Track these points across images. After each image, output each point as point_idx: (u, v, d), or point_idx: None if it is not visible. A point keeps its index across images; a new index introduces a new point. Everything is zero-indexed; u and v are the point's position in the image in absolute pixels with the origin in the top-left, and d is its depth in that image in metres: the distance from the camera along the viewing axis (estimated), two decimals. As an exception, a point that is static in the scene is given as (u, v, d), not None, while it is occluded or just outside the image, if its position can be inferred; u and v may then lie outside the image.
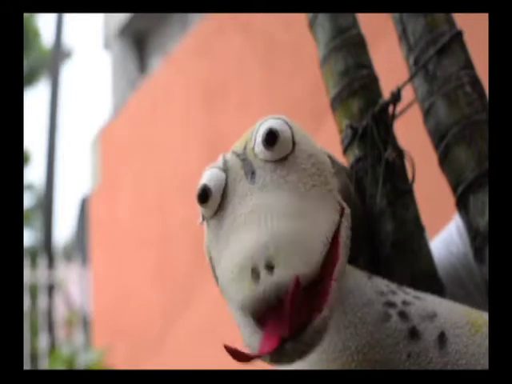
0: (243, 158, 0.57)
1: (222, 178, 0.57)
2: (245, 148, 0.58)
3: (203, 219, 0.58)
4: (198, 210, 0.58)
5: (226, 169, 0.57)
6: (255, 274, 0.49)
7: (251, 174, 0.56)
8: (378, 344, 0.56)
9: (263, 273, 0.48)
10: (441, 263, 0.71)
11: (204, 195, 0.56)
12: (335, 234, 0.55)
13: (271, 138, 0.56)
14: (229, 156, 0.58)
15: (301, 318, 0.49)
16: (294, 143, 0.57)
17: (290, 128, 0.57)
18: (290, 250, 0.49)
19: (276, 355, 0.49)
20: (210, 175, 0.57)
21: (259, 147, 0.56)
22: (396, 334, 0.57)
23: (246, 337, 0.52)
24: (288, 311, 0.48)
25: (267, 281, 0.48)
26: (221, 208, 0.56)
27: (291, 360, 0.50)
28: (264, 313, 0.50)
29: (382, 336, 0.57)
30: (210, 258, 0.58)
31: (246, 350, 0.51)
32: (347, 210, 0.57)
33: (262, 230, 0.51)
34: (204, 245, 0.59)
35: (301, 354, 0.49)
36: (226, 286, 0.52)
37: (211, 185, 0.57)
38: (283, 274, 0.48)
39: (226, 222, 0.55)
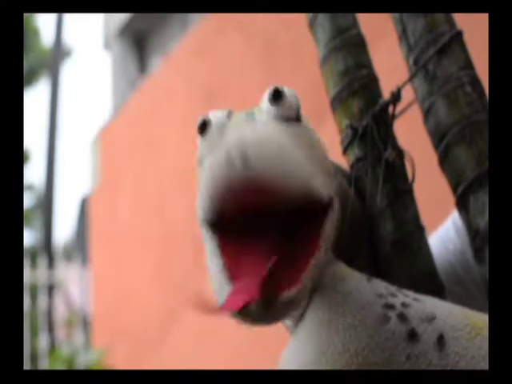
0: (250, 113, 0.58)
1: (223, 118, 0.57)
2: (251, 109, 0.59)
3: (199, 162, 0.59)
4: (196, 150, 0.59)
5: (228, 115, 0.58)
6: (231, 163, 0.50)
7: (251, 119, 0.57)
8: (378, 346, 0.56)
9: (238, 162, 0.49)
10: (437, 260, 0.71)
11: (203, 125, 0.57)
12: (320, 222, 0.55)
13: (276, 94, 0.57)
14: (237, 112, 0.59)
15: (273, 286, 0.50)
16: (299, 116, 0.58)
17: (298, 100, 0.58)
18: (268, 151, 0.50)
19: (240, 314, 0.50)
20: (212, 113, 0.58)
21: (265, 104, 0.57)
22: (395, 336, 0.57)
23: (217, 289, 0.53)
24: (262, 276, 0.49)
25: (241, 167, 0.49)
26: (216, 143, 0.56)
27: (254, 322, 0.51)
28: (237, 267, 0.52)
29: (381, 338, 0.57)
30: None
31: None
32: (336, 203, 0.58)
33: (247, 131, 0.52)
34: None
35: (264, 319, 0.51)
36: (203, 185, 0.53)
37: (212, 118, 0.57)
38: (256, 165, 0.49)
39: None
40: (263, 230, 0.55)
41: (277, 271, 0.51)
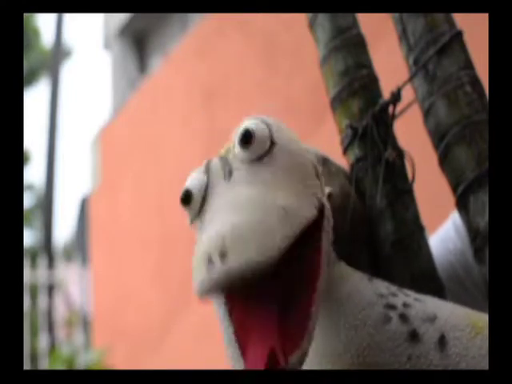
0: (225, 160, 0.58)
1: (203, 181, 0.58)
2: (228, 151, 0.59)
3: (190, 222, 0.59)
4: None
5: (207, 171, 0.58)
6: (211, 262, 0.50)
7: (229, 174, 0.57)
8: (379, 346, 0.56)
9: (216, 260, 0.50)
10: (437, 260, 0.71)
11: (186, 198, 0.58)
12: (317, 244, 0.55)
13: (246, 138, 0.57)
14: (213, 160, 0.59)
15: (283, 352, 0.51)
16: (272, 142, 0.57)
17: (268, 127, 0.57)
18: (245, 239, 0.50)
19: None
20: (192, 179, 0.59)
21: (237, 148, 0.57)
22: (396, 336, 0.57)
23: (232, 361, 0.55)
24: (268, 352, 0.51)
25: (219, 267, 0.49)
26: (202, 209, 0.57)
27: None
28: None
29: (382, 338, 0.56)
30: None
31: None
32: (328, 212, 0.58)
33: (222, 222, 0.52)
34: None
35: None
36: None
37: (192, 188, 0.58)
38: (235, 259, 0.49)
39: (204, 221, 0.56)
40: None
41: (283, 335, 0.52)
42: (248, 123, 0.58)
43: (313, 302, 0.53)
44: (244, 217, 0.52)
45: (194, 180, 0.59)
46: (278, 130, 0.58)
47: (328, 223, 0.57)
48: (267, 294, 0.54)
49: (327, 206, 0.58)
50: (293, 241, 0.52)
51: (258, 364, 0.51)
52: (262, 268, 0.50)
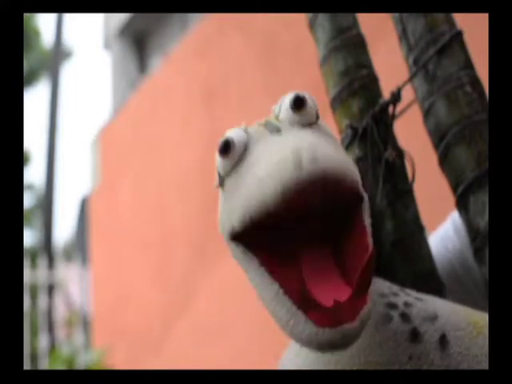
0: (268, 123, 0.56)
1: (243, 134, 0.56)
2: (266, 120, 0.57)
3: (220, 182, 0.57)
4: (215, 174, 0.57)
5: (246, 130, 0.56)
6: (298, 164, 0.47)
7: (276, 130, 0.55)
8: (380, 346, 0.56)
9: (307, 163, 0.47)
10: (437, 259, 0.71)
11: (226, 145, 0.55)
12: (359, 219, 0.54)
13: (299, 101, 0.55)
14: (250, 126, 0.57)
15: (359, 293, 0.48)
16: (317, 116, 0.56)
17: (316, 104, 0.57)
18: (331, 154, 0.49)
19: (332, 334, 0.48)
20: (231, 132, 0.56)
21: (286, 112, 0.56)
22: (397, 335, 0.57)
23: (286, 319, 0.49)
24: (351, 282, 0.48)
25: (313, 167, 0.47)
26: (241, 161, 0.54)
27: (345, 342, 0.48)
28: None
29: (383, 338, 0.56)
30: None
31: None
32: (366, 197, 0.55)
33: (296, 139, 0.50)
34: (218, 213, 0.57)
35: (356, 336, 0.49)
36: (254, 193, 0.49)
37: (234, 137, 0.55)
38: (329, 164, 0.47)
39: (248, 167, 0.53)
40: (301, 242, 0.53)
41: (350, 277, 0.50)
42: (297, 92, 0.56)
43: (369, 264, 0.50)
44: (319, 141, 0.50)
45: (233, 132, 0.56)
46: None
47: (367, 206, 0.55)
48: (320, 256, 0.52)
49: (364, 193, 0.55)
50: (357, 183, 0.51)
51: (330, 320, 0.47)
52: (352, 186, 0.49)
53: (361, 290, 0.49)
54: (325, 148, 0.49)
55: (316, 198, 0.49)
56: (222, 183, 0.56)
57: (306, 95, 0.56)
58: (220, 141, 0.56)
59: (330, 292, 0.49)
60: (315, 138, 0.52)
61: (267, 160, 0.50)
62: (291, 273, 0.51)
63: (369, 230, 0.54)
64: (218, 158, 0.56)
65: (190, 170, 3.37)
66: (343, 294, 0.49)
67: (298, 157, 0.47)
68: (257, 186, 0.49)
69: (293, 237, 0.53)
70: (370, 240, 0.53)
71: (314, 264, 0.52)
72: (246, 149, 0.55)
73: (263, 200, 0.48)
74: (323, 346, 0.48)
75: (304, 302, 0.49)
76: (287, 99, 0.56)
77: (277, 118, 0.56)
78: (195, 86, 3.61)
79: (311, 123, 0.55)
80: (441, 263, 0.72)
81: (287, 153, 0.48)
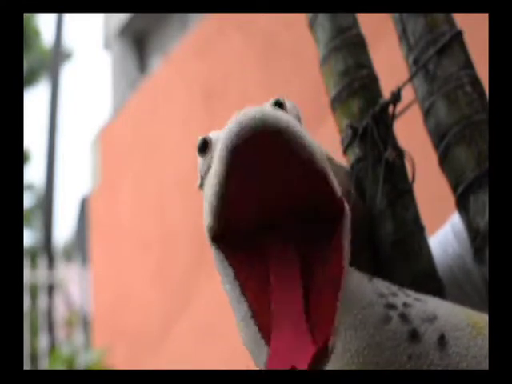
0: None
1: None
2: None
3: (200, 183, 0.57)
4: (197, 173, 0.58)
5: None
6: (239, 123, 0.48)
7: None
8: (379, 346, 0.56)
9: (252, 110, 0.48)
10: (436, 263, 0.71)
11: (203, 145, 0.56)
12: (337, 236, 0.54)
13: (278, 106, 0.56)
14: None
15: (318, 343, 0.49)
16: (299, 120, 0.56)
17: (296, 107, 0.57)
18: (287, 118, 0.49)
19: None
20: (212, 132, 0.57)
21: None
22: (396, 336, 0.57)
23: (249, 344, 0.52)
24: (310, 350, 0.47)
25: (257, 113, 0.48)
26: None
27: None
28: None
29: (382, 338, 0.56)
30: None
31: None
32: (347, 206, 0.55)
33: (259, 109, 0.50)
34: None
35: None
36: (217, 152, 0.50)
37: (211, 136, 0.56)
38: (276, 114, 0.48)
39: None
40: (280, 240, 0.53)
41: (311, 316, 0.50)
42: (277, 97, 0.57)
43: (339, 297, 0.50)
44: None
45: (212, 132, 0.57)
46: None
47: (347, 222, 0.55)
48: (288, 276, 0.52)
49: (345, 200, 0.55)
50: (326, 174, 0.51)
51: (284, 360, 0.48)
52: (299, 141, 0.48)
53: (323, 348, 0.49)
54: (282, 115, 0.50)
55: (267, 150, 0.49)
56: (201, 183, 0.57)
57: (287, 101, 0.57)
58: (199, 139, 0.56)
59: (290, 349, 0.49)
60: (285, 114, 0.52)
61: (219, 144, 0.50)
62: (262, 292, 0.52)
63: (346, 248, 0.54)
64: (198, 159, 0.56)
65: (189, 170, 3.37)
66: (303, 354, 0.48)
67: (240, 119, 0.48)
68: (213, 177, 0.50)
69: (266, 241, 0.54)
70: (344, 260, 0.53)
71: (282, 286, 0.52)
72: None
73: (219, 184, 0.49)
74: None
75: (267, 330, 0.50)
76: (267, 104, 0.57)
77: None
78: (195, 86, 3.61)
79: None
80: (440, 267, 0.72)
81: (233, 123, 0.49)
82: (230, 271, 0.53)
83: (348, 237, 0.55)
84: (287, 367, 0.48)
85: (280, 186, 0.52)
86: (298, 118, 0.56)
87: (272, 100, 0.57)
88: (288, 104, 0.57)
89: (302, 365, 0.47)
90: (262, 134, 0.48)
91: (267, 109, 0.49)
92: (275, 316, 0.51)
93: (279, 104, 0.56)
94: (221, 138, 0.50)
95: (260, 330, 0.50)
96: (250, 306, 0.51)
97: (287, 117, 0.50)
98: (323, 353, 0.48)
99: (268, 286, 0.52)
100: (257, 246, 0.54)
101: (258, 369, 0.51)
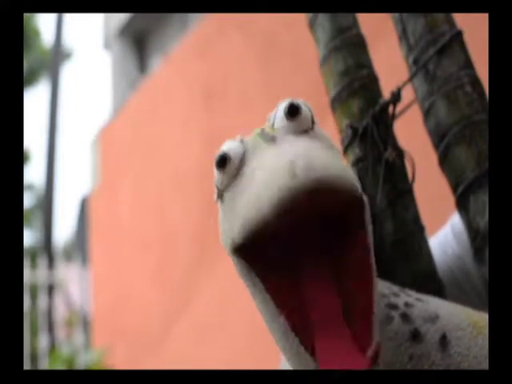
0: (262, 132, 0.56)
1: (240, 147, 0.55)
2: (262, 130, 0.56)
3: (218, 195, 0.57)
4: (214, 188, 0.57)
5: (243, 142, 0.56)
6: (292, 173, 0.47)
7: (271, 139, 0.54)
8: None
9: (302, 170, 0.46)
10: (436, 264, 0.71)
11: (223, 160, 0.55)
12: (361, 231, 0.53)
13: (293, 109, 0.55)
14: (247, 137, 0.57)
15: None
16: (313, 122, 0.56)
17: (310, 108, 0.57)
18: (327, 161, 0.48)
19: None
20: (228, 145, 0.56)
21: (280, 121, 0.55)
22: (398, 336, 0.57)
23: (293, 357, 0.51)
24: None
25: (307, 173, 0.46)
26: (238, 174, 0.54)
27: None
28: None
29: (383, 338, 0.56)
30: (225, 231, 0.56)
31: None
32: (366, 199, 0.55)
33: (292, 148, 0.49)
34: (218, 225, 0.57)
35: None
36: (251, 205, 0.49)
37: (230, 151, 0.55)
38: (325, 171, 0.47)
39: (244, 179, 0.53)
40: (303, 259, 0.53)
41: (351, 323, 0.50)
42: (291, 100, 0.56)
43: (374, 297, 0.51)
44: (314, 148, 0.49)
45: (229, 145, 0.56)
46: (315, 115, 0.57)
47: (368, 215, 0.54)
48: (322, 284, 0.52)
49: (365, 197, 0.55)
50: (356, 189, 0.51)
51: (341, 362, 0.48)
52: (350, 194, 0.48)
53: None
54: (320, 155, 0.49)
55: (312, 206, 0.48)
56: (220, 197, 0.56)
57: (301, 102, 0.56)
58: (216, 155, 0.56)
59: (338, 356, 0.49)
60: (311, 144, 0.52)
61: (263, 171, 0.49)
62: (294, 300, 0.51)
63: (370, 238, 0.53)
64: (215, 172, 0.56)
65: (189, 170, 3.37)
66: (351, 357, 0.49)
67: (292, 165, 0.47)
68: (254, 198, 0.49)
69: (292, 250, 0.53)
70: (371, 256, 0.53)
71: (316, 293, 0.52)
72: (242, 161, 0.54)
73: (260, 211, 0.48)
74: None
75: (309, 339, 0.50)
76: (281, 107, 0.56)
77: (272, 126, 0.56)
78: (195, 86, 3.61)
79: (307, 130, 0.55)
80: (440, 268, 0.72)
81: (282, 162, 0.48)
82: (257, 283, 0.52)
83: (370, 229, 0.54)
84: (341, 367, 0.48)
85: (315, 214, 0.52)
86: (312, 119, 0.56)
87: (287, 104, 0.56)
88: (303, 107, 0.56)
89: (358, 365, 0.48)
90: (312, 199, 0.47)
91: (314, 162, 0.48)
92: (317, 326, 0.51)
93: (295, 109, 0.55)
94: (268, 181, 0.48)
95: (301, 340, 0.50)
96: (287, 319, 0.51)
97: (331, 163, 0.49)
98: (373, 357, 0.49)
99: (298, 295, 0.52)
100: (282, 259, 0.53)
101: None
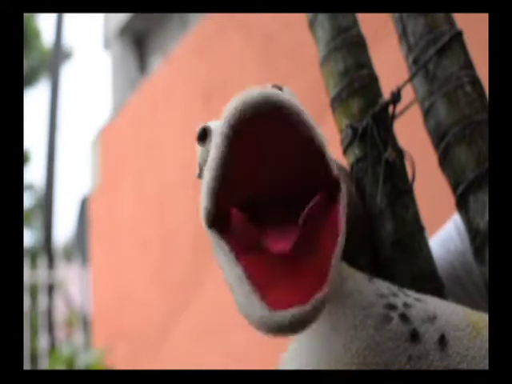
0: None
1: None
2: None
3: (199, 172, 0.57)
4: (196, 164, 0.58)
5: None
6: (248, 95, 0.48)
7: None
8: (379, 347, 0.56)
9: (257, 92, 0.48)
10: (438, 261, 0.71)
11: (203, 133, 0.56)
12: (334, 207, 0.53)
13: (277, 89, 0.56)
14: None
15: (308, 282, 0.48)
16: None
17: (296, 98, 0.57)
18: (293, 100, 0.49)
19: (282, 318, 0.47)
20: (210, 122, 0.57)
21: None
22: (397, 336, 0.57)
23: (243, 304, 0.50)
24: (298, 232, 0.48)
25: (259, 92, 0.48)
26: None
27: (294, 327, 0.47)
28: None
29: (382, 339, 0.56)
30: None
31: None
32: (344, 187, 0.55)
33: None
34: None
35: (307, 321, 0.48)
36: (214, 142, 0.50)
37: (210, 125, 0.56)
38: (278, 94, 0.48)
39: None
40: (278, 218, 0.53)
41: (304, 264, 0.49)
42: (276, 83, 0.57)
43: (335, 250, 0.50)
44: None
45: (211, 122, 0.57)
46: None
47: (344, 199, 0.54)
48: (285, 240, 0.52)
49: (343, 182, 0.55)
50: (325, 153, 0.51)
51: (282, 303, 0.47)
52: (301, 118, 0.48)
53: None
54: (284, 94, 0.50)
55: (268, 127, 0.49)
56: (200, 173, 0.57)
57: (285, 88, 0.57)
58: (198, 128, 0.57)
59: (286, 297, 0.48)
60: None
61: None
62: (257, 259, 0.51)
63: (342, 217, 0.53)
64: (197, 149, 0.57)
65: (189, 170, 3.37)
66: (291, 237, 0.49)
67: (248, 93, 0.49)
68: (217, 133, 0.50)
69: (263, 216, 0.54)
70: (341, 226, 0.52)
71: (278, 248, 0.52)
72: None
73: (220, 138, 0.49)
74: (272, 329, 0.48)
75: (261, 287, 0.49)
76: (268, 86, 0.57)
77: None
78: (195, 86, 3.61)
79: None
80: (442, 264, 0.72)
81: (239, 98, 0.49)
82: (225, 246, 0.53)
83: (345, 210, 0.54)
84: (285, 308, 0.47)
85: (278, 161, 0.52)
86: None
87: (270, 84, 0.57)
88: (286, 90, 0.57)
89: (301, 300, 0.47)
90: (265, 111, 0.48)
91: (269, 88, 0.50)
92: (270, 274, 0.50)
93: (278, 88, 0.56)
94: (223, 116, 0.50)
95: (254, 288, 0.50)
96: (245, 269, 0.51)
97: (289, 96, 0.51)
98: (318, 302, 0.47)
99: (263, 253, 0.52)
100: (255, 222, 0.53)
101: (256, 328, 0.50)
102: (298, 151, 0.52)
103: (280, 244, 0.50)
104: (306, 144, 0.51)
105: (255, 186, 0.53)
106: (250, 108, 0.48)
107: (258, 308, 0.48)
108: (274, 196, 0.54)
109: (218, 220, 0.53)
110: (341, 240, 0.51)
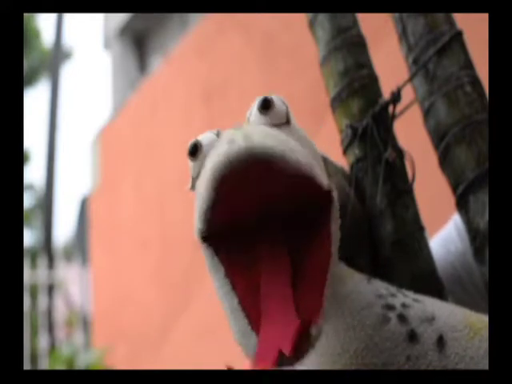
0: (238, 127, 0.56)
1: (212, 137, 0.57)
2: (239, 124, 0.58)
3: (192, 184, 0.58)
4: (190, 175, 0.58)
5: (218, 134, 0.57)
6: (232, 142, 0.49)
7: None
8: (377, 347, 0.56)
9: (239, 139, 0.48)
10: (439, 261, 0.71)
11: (194, 148, 0.57)
12: (325, 224, 0.54)
13: (266, 103, 0.57)
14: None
15: (303, 330, 0.49)
16: (287, 120, 0.57)
17: (286, 105, 0.58)
18: (272, 138, 0.50)
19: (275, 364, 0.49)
20: (202, 135, 0.58)
21: (254, 114, 0.57)
22: (395, 337, 0.57)
23: (239, 336, 0.52)
24: (293, 330, 0.48)
25: (244, 142, 0.48)
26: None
27: (288, 365, 0.49)
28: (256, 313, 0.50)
29: (381, 339, 0.56)
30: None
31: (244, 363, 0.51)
32: (335, 195, 0.55)
33: (245, 127, 0.51)
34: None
35: (297, 361, 0.49)
36: (204, 184, 0.51)
37: (202, 140, 0.57)
38: (262, 142, 0.48)
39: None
40: (267, 238, 0.54)
41: (300, 305, 0.50)
42: (265, 95, 0.57)
43: (327, 278, 0.51)
44: (267, 130, 0.51)
45: (203, 136, 0.58)
46: (291, 113, 0.58)
47: (336, 210, 0.55)
48: (278, 270, 0.53)
49: (335, 192, 0.56)
50: (311, 174, 0.51)
51: (276, 343, 0.49)
52: (286, 162, 0.49)
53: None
54: (268, 134, 0.51)
55: (254, 174, 0.50)
56: (193, 186, 0.58)
57: (275, 98, 0.57)
58: (189, 144, 0.57)
59: (279, 337, 0.49)
60: (267, 129, 0.53)
61: (213, 150, 0.52)
62: (253, 287, 0.53)
63: (334, 235, 0.54)
64: (189, 162, 0.57)
65: (189, 170, 3.37)
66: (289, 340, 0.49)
67: (232, 136, 0.49)
68: (204, 177, 0.51)
69: (255, 240, 0.54)
70: (331, 247, 0.53)
71: (271, 279, 0.53)
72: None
73: (208, 183, 0.50)
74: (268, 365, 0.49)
75: (257, 321, 0.51)
76: (256, 103, 0.57)
77: (248, 121, 0.57)
78: (195, 86, 3.61)
79: (279, 124, 0.56)
80: (443, 265, 0.72)
81: (226, 137, 0.50)
82: (220, 268, 0.54)
83: (336, 224, 0.55)
84: (275, 353, 0.48)
85: (267, 193, 0.53)
86: (287, 115, 0.57)
87: (260, 100, 0.57)
88: (276, 100, 0.57)
89: (287, 347, 0.48)
90: (249, 165, 0.49)
91: (253, 133, 0.50)
92: (265, 307, 0.51)
93: (267, 102, 0.56)
94: (207, 166, 0.51)
95: (249, 321, 0.51)
96: (240, 300, 0.52)
97: (273, 138, 0.51)
98: (306, 335, 0.49)
99: (258, 282, 0.53)
100: (246, 246, 0.55)
101: (248, 362, 0.51)
102: (286, 183, 0.52)
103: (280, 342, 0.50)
104: (294, 179, 0.52)
105: (247, 212, 0.54)
106: (234, 162, 0.49)
107: (253, 345, 0.51)
108: (266, 215, 0.55)
109: (211, 236, 0.54)
110: (331, 267, 0.52)
